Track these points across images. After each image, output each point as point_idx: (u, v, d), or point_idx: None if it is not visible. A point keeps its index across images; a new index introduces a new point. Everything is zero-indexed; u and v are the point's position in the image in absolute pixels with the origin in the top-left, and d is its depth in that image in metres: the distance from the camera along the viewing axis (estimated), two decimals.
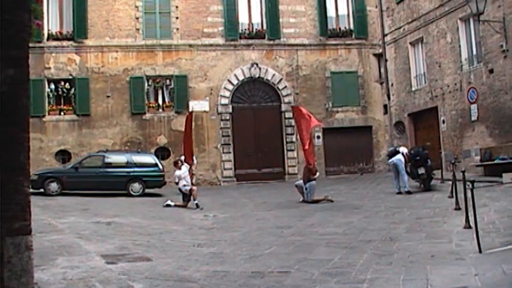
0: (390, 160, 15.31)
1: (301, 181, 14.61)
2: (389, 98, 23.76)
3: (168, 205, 14.50)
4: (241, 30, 23.46)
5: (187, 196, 14.85)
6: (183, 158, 16.48)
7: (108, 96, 21.92)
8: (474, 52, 18.57)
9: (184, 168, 15.70)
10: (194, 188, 14.97)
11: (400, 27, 22.78)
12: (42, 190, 16.60)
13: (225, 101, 22.81)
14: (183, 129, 17.33)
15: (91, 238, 8.87)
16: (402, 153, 15.01)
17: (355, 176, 22.74)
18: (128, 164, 17.77)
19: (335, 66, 23.90)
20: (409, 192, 14.22)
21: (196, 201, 14.35)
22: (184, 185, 15.07)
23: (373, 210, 11.76)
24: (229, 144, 22.68)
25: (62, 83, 21.60)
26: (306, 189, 14.16)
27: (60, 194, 16.65)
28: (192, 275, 6.20)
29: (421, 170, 14.60)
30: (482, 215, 8.66)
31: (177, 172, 15.46)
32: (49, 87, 21.50)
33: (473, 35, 18.63)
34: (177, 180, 15.41)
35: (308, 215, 11.58)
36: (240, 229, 10.07)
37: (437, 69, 20.26)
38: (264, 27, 23.63)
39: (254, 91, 23.36)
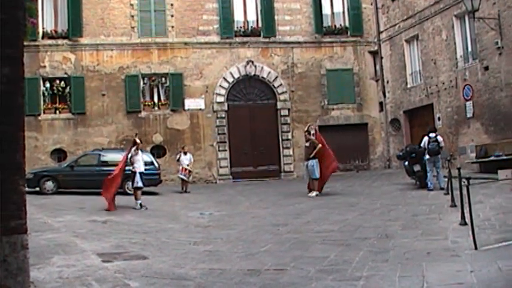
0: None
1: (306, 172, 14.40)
2: (384, 96, 23.80)
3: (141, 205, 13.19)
4: (237, 28, 23.44)
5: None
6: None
7: (104, 95, 21.87)
8: (469, 49, 18.62)
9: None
10: (138, 192, 13.63)
11: (395, 25, 22.81)
12: (37, 189, 16.59)
13: (220, 98, 22.79)
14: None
15: (87, 237, 8.85)
16: (439, 146, 14.21)
17: (350, 173, 22.76)
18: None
19: (330, 64, 23.92)
20: (430, 190, 13.71)
21: (140, 202, 13.27)
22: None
23: (368, 207, 11.76)
24: (225, 142, 22.66)
25: (57, 82, 21.56)
26: (311, 166, 14.05)
27: (56, 193, 16.63)
28: (188, 273, 6.19)
29: (417, 167, 14.62)
30: (477, 211, 8.67)
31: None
32: (44, 86, 21.45)
33: (468, 32, 18.68)
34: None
35: (304, 212, 11.58)
36: (236, 227, 10.06)
37: (433, 67, 20.30)
38: (259, 24, 23.61)
39: (250, 89, 23.35)
